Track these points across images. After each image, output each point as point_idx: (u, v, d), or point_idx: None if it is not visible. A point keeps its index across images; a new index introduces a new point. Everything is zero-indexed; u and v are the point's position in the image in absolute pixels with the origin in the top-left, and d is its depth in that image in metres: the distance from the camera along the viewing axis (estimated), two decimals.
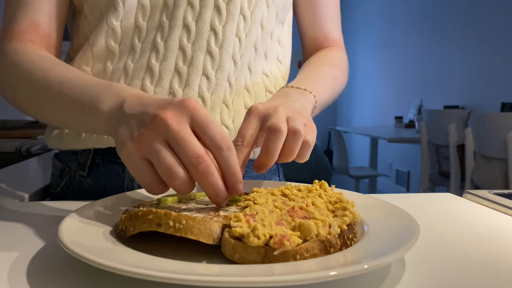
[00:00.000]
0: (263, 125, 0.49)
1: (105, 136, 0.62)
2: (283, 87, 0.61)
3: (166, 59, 0.62)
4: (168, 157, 0.38)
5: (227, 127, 0.65)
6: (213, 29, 0.63)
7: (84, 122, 0.49)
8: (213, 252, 0.36)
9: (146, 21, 0.62)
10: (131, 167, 0.40)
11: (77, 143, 0.65)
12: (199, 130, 0.39)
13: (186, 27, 0.62)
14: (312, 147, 0.49)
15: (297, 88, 0.60)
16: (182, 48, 0.62)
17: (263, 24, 0.67)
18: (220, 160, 0.39)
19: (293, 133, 0.47)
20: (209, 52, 0.63)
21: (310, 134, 0.49)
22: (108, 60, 0.64)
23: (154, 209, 0.36)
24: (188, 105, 0.39)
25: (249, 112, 0.50)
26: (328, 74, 0.70)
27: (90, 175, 0.68)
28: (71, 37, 0.71)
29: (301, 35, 0.80)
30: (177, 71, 0.62)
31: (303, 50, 0.81)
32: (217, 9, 0.63)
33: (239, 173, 0.40)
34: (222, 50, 0.64)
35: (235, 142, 0.48)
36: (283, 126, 0.46)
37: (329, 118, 6.53)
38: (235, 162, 0.40)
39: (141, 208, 0.40)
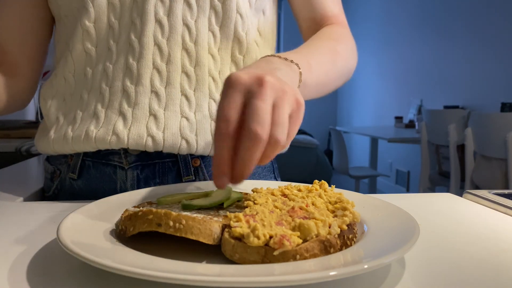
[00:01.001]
0: (247, 102, 0.39)
1: (93, 140, 0.60)
2: (266, 56, 0.49)
3: (142, 56, 0.61)
4: None
5: None
6: (185, 24, 0.62)
7: None
8: (213, 252, 0.36)
9: (118, 20, 0.62)
10: None
11: (64, 147, 0.64)
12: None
13: (158, 22, 0.61)
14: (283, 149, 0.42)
15: (279, 57, 0.49)
16: (157, 45, 0.61)
17: (242, 15, 0.64)
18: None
19: (274, 143, 0.38)
20: (185, 49, 0.62)
21: (291, 134, 0.41)
22: (88, 64, 0.64)
23: (154, 209, 0.36)
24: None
25: (230, 83, 0.39)
26: (325, 48, 0.61)
27: (81, 177, 0.67)
28: (54, 47, 0.71)
29: (298, 20, 0.74)
30: (156, 68, 0.61)
31: (303, 38, 0.73)
32: (187, 3, 0.62)
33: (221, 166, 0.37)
34: (197, 45, 0.62)
35: (218, 128, 0.38)
36: (264, 132, 0.37)
37: (329, 118, 6.53)
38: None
39: (141, 208, 0.40)
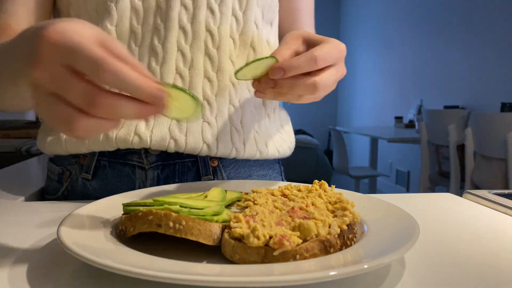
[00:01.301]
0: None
1: (114, 140, 0.61)
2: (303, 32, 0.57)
3: (166, 61, 0.62)
4: (58, 109, 0.34)
5: (236, 128, 0.65)
6: (208, 30, 0.63)
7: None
8: (213, 252, 0.36)
9: (140, 25, 0.62)
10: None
11: (79, 147, 0.63)
12: (72, 65, 0.33)
13: (182, 28, 0.62)
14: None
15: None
16: (180, 50, 0.62)
17: (257, 25, 0.67)
18: (111, 87, 0.33)
19: (314, 83, 0.48)
20: (208, 54, 0.63)
21: (323, 87, 0.50)
22: None
23: (154, 210, 0.36)
24: (46, 43, 0.34)
25: (297, 37, 0.52)
26: None
27: (95, 177, 0.66)
28: None
29: (280, 39, 0.79)
30: (179, 73, 0.62)
31: None
32: (210, 10, 0.63)
33: (139, 83, 0.33)
34: (220, 51, 0.64)
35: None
36: (320, 63, 0.47)
37: (329, 118, 6.53)
38: (126, 76, 0.33)
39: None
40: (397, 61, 4.77)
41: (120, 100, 0.33)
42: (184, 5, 0.62)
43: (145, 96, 0.34)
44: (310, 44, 0.53)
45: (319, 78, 0.49)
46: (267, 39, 0.71)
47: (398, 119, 4.18)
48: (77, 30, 0.34)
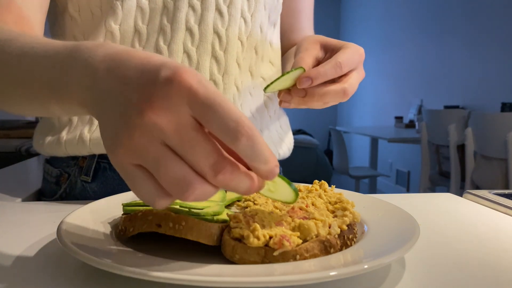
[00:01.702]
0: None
1: None
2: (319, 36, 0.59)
3: None
4: (175, 167, 0.28)
5: None
6: (216, 33, 0.62)
7: (57, 105, 0.37)
8: (213, 252, 0.36)
9: (146, 25, 0.61)
10: (123, 176, 0.30)
11: (79, 149, 0.62)
12: (203, 120, 0.28)
13: (189, 30, 0.61)
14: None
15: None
16: (186, 52, 0.61)
17: (262, 27, 0.67)
18: (240, 153, 0.28)
19: (343, 90, 0.51)
20: (214, 57, 0.62)
21: (351, 92, 0.52)
22: None
23: (154, 210, 0.36)
24: (180, 86, 0.28)
25: (316, 44, 0.54)
26: None
27: (95, 180, 0.65)
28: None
29: (281, 41, 0.79)
30: None
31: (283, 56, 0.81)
32: (219, 12, 0.62)
33: (269, 157, 0.29)
34: (227, 53, 0.63)
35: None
36: (345, 69, 0.50)
37: (329, 118, 6.53)
38: (261, 146, 0.28)
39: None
40: (397, 61, 4.77)
41: (241, 170, 0.29)
42: (192, 6, 0.61)
43: (265, 170, 0.29)
44: (327, 49, 0.55)
45: (348, 85, 0.51)
46: (270, 40, 0.71)
47: (398, 119, 4.18)
48: (209, 82, 0.29)
